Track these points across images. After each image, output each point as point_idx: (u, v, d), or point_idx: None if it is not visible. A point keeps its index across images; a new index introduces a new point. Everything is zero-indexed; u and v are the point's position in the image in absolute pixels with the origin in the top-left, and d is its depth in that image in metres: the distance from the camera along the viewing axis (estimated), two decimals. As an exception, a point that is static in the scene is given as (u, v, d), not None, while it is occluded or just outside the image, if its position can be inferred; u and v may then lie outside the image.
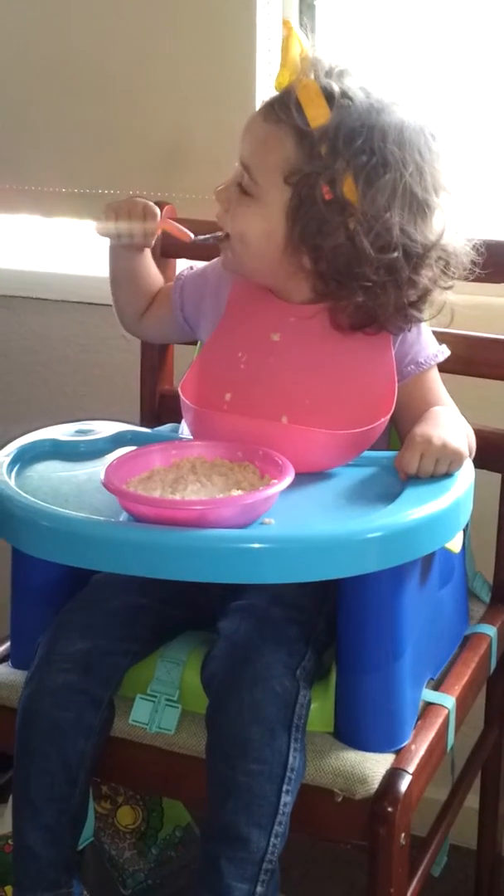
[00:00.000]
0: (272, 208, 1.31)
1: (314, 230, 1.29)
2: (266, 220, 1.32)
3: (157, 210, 1.44)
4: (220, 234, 1.38)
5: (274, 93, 1.33)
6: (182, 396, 1.36)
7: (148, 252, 1.53)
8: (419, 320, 1.36)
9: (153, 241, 1.48)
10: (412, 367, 1.39)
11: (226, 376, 1.37)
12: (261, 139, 1.31)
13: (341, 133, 1.27)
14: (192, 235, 1.42)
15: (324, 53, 1.31)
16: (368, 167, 1.27)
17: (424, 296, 1.34)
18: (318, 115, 1.27)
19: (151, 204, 1.44)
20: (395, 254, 1.28)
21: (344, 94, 1.28)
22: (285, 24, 1.32)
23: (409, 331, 1.37)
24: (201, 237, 1.41)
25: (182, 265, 1.70)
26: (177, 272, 1.58)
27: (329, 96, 1.28)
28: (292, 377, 1.35)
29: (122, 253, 1.50)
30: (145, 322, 1.57)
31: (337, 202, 1.28)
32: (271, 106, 1.31)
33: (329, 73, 1.29)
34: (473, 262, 1.36)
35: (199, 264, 1.54)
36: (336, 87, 1.28)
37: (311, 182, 1.28)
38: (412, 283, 1.31)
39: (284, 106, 1.29)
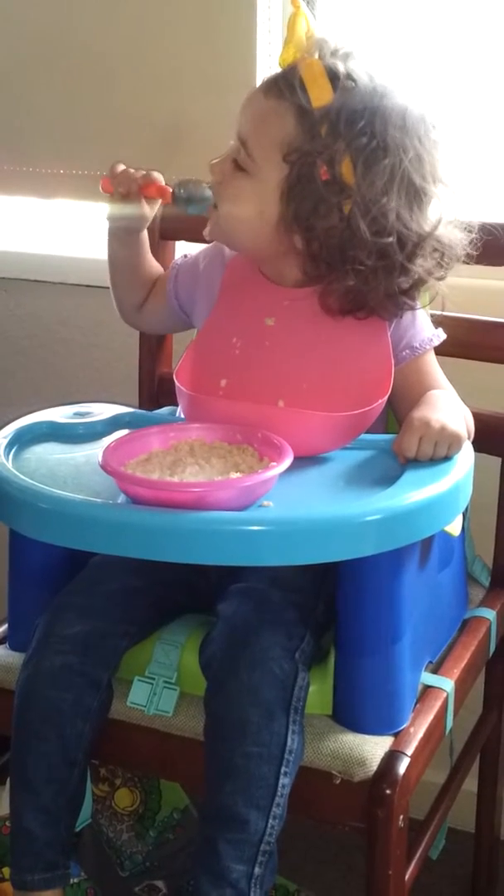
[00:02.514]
0: (267, 185, 1.30)
1: (309, 209, 1.28)
2: (260, 197, 1.31)
3: (160, 177, 1.38)
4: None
5: (277, 69, 1.32)
6: (177, 383, 1.35)
7: (146, 241, 1.51)
8: (411, 308, 1.35)
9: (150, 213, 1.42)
10: (407, 351, 1.38)
11: (221, 362, 1.37)
12: (261, 115, 1.30)
13: (343, 114, 1.26)
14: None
15: (330, 34, 1.30)
16: (368, 150, 1.26)
17: (417, 284, 1.33)
18: (320, 94, 1.26)
19: (154, 176, 1.38)
20: (390, 239, 1.27)
21: (348, 76, 1.27)
22: (293, 0, 1.30)
23: (402, 317, 1.36)
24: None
25: (181, 248, 1.70)
26: (175, 255, 1.57)
27: (333, 77, 1.27)
28: (288, 361, 1.34)
29: (121, 236, 1.49)
30: (144, 313, 1.56)
31: (334, 183, 1.27)
32: (274, 82, 1.30)
33: (334, 54, 1.28)
34: (469, 252, 1.35)
35: (196, 249, 1.53)
36: (341, 68, 1.27)
37: (308, 161, 1.27)
38: (404, 271, 1.30)
39: (287, 83, 1.28)
